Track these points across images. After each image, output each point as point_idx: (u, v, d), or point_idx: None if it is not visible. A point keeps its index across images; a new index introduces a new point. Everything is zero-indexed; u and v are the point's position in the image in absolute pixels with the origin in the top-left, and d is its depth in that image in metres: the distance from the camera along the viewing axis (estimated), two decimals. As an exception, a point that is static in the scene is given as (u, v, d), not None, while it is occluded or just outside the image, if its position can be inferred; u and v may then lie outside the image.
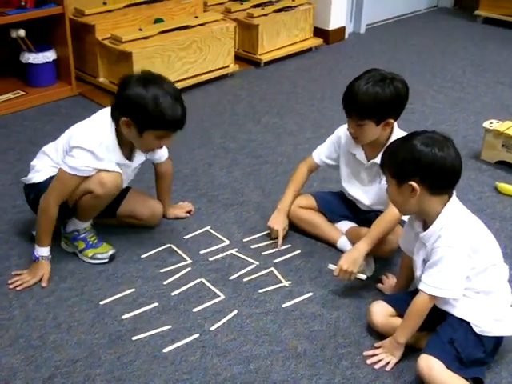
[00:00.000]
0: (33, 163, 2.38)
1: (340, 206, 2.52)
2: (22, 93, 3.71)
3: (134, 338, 2.03)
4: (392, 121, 2.23)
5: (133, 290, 2.24)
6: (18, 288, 2.22)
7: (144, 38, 3.76)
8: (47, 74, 3.77)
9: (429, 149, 1.79)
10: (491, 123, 3.12)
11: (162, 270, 2.34)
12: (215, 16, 4.15)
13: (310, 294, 2.24)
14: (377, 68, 2.26)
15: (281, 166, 3.09)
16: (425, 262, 1.89)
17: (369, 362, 1.96)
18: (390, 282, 2.27)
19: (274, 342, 2.04)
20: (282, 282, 2.30)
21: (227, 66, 4.14)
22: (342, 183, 2.47)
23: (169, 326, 2.08)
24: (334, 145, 2.45)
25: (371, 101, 2.15)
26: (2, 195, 2.75)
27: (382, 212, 2.28)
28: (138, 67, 3.57)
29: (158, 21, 3.99)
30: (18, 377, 1.88)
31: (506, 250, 2.40)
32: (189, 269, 2.35)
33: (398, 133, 2.27)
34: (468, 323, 1.87)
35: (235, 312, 2.15)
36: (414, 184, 1.81)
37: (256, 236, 2.55)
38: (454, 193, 1.88)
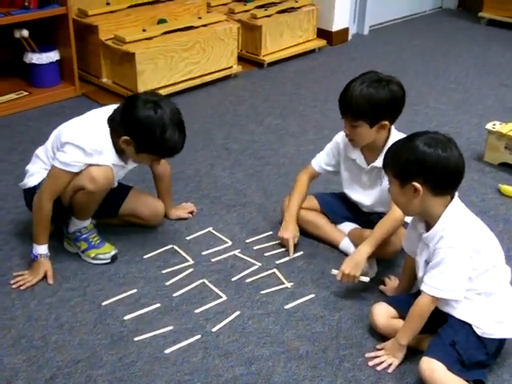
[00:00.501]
0: (27, 167, 2.40)
1: (342, 207, 2.52)
2: (26, 93, 3.72)
3: (135, 339, 2.03)
4: (386, 123, 2.22)
5: (135, 290, 2.24)
6: (21, 288, 2.22)
7: (147, 39, 3.76)
8: (50, 75, 3.78)
9: (432, 149, 1.79)
10: (494, 125, 3.11)
11: (164, 271, 2.34)
12: (219, 17, 4.16)
13: (312, 295, 2.24)
14: (375, 70, 2.26)
15: (283, 168, 3.08)
16: (427, 263, 1.89)
17: (371, 363, 1.96)
18: (392, 283, 2.26)
19: (275, 343, 2.03)
20: (284, 283, 2.30)
21: (230, 67, 4.14)
22: (344, 189, 2.47)
23: (171, 327, 2.08)
24: (332, 151, 2.45)
25: (365, 102, 2.16)
26: (5, 195, 2.76)
27: (384, 214, 2.28)
28: (141, 68, 3.59)
29: (161, 21, 3.99)
30: (20, 377, 1.88)
31: (508, 252, 2.39)
32: (191, 270, 2.36)
33: (395, 135, 2.26)
34: (470, 325, 1.87)
35: (237, 313, 2.15)
36: (416, 184, 1.81)
37: (258, 237, 2.55)
38: (456, 194, 1.88)
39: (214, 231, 2.58)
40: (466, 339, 1.85)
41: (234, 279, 2.31)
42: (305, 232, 2.54)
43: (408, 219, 2.19)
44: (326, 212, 2.54)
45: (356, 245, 2.36)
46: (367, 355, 1.99)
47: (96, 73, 3.88)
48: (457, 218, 1.85)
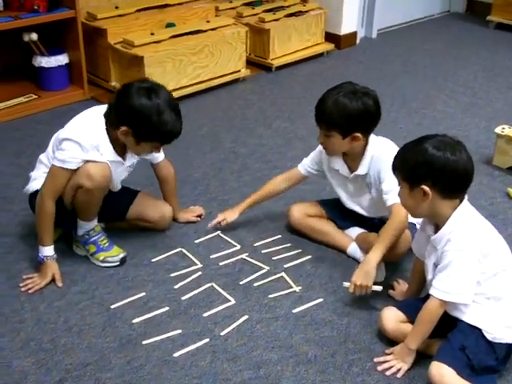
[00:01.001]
0: (31, 173, 2.41)
1: (348, 212, 2.51)
2: (35, 96, 3.73)
3: (144, 342, 2.03)
4: (359, 135, 2.23)
5: (143, 293, 2.24)
6: (29, 291, 2.23)
7: (156, 43, 3.77)
8: (59, 78, 3.79)
9: (441, 152, 1.78)
10: (503, 129, 3.10)
11: (173, 274, 2.34)
12: (227, 21, 4.16)
13: (321, 299, 2.24)
14: (352, 82, 2.28)
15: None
16: (436, 265, 1.89)
17: (380, 368, 1.95)
18: (400, 288, 2.26)
19: (284, 347, 2.03)
20: (292, 287, 2.30)
21: (238, 71, 4.15)
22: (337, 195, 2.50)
23: (179, 331, 2.08)
24: (315, 159, 2.49)
25: (337, 113, 2.18)
26: (14, 198, 2.77)
27: (386, 218, 2.27)
28: (149, 71, 3.59)
29: (169, 25, 4.00)
30: (29, 380, 1.89)
31: (518, 256, 2.38)
32: (199, 273, 2.36)
33: (374, 142, 2.29)
34: (479, 330, 1.86)
35: (245, 317, 2.15)
36: (425, 188, 1.80)
37: (267, 241, 2.55)
38: (466, 197, 1.88)
39: (222, 235, 2.58)
40: (475, 344, 1.84)
41: (242, 283, 2.31)
42: (312, 239, 2.54)
43: (412, 219, 2.19)
44: (332, 218, 2.55)
45: (363, 249, 2.36)
46: (376, 360, 1.98)
47: (105, 76, 3.90)
48: (465, 221, 1.84)
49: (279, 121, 3.66)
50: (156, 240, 2.53)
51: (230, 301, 2.22)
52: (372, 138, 2.30)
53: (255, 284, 2.31)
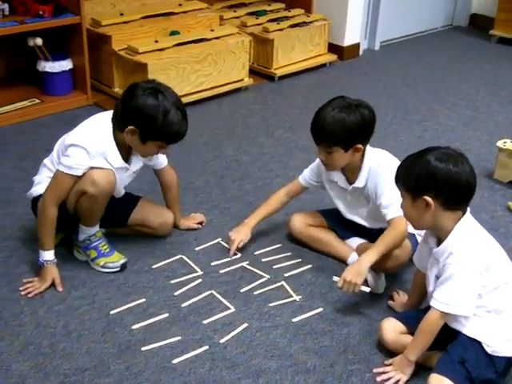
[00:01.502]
0: (34, 177, 2.42)
1: (348, 222, 2.51)
2: (38, 101, 3.74)
3: (143, 349, 2.03)
4: (360, 146, 2.25)
5: (143, 300, 2.24)
6: (29, 295, 2.23)
7: (160, 50, 3.78)
8: (63, 83, 3.80)
9: (443, 164, 1.79)
10: (505, 142, 3.11)
11: (173, 281, 2.34)
12: (231, 30, 4.18)
13: (321, 309, 2.24)
14: (342, 95, 2.29)
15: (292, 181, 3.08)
16: (437, 278, 1.89)
17: (379, 379, 1.95)
18: (400, 299, 2.26)
19: (283, 356, 2.03)
20: (292, 296, 2.30)
21: (241, 80, 4.16)
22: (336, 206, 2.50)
23: (178, 338, 2.08)
24: (314, 170, 2.50)
25: (338, 128, 2.19)
26: (16, 201, 2.77)
27: (386, 228, 2.27)
28: (153, 78, 3.59)
29: (173, 33, 4.02)
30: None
31: (518, 270, 2.38)
32: (199, 280, 2.36)
33: (371, 153, 2.30)
34: (479, 343, 1.86)
35: (245, 325, 2.15)
36: (428, 199, 1.81)
37: (267, 249, 2.55)
38: (468, 209, 1.88)
39: (222, 242, 2.58)
40: (475, 357, 1.84)
41: (242, 291, 2.31)
42: (313, 249, 2.55)
43: (412, 230, 2.19)
44: (332, 227, 2.55)
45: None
46: (375, 371, 1.98)
47: (108, 82, 3.91)
48: (467, 234, 1.84)
49: (281, 130, 3.67)
50: (157, 246, 2.53)
51: (229, 308, 2.22)
52: (368, 149, 2.31)
53: (255, 292, 2.31)
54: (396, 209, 2.05)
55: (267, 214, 2.55)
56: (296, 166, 3.23)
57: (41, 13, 3.54)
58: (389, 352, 2.02)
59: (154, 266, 2.42)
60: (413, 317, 1.99)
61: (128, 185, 2.45)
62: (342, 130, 2.19)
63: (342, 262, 2.47)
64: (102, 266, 2.37)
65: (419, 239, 2.15)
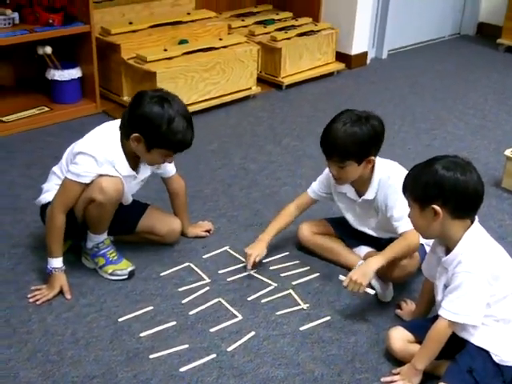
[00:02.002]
0: (43, 185, 2.43)
1: (356, 231, 2.51)
2: (47, 109, 3.76)
3: (151, 357, 2.03)
4: (372, 158, 2.25)
5: (151, 307, 2.24)
6: (37, 302, 2.23)
7: (168, 59, 3.80)
8: (72, 91, 3.82)
9: (451, 173, 1.79)
10: (513, 151, 3.11)
11: (181, 289, 2.35)
12: (239, 38, 4.20)
13: (328, 317, 2.24)
14: (349, 109, 2.28)
15: (300, 189, 3.06)
16: (446, 287, 1.89)
17: (386, 388, 1.95)
18: (408, 307, 2.25)
19: (290, 365, 2.03)
20: (300, 304, 2.30)
21: (249, 88, 4.17)
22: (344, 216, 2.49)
23: (186, 346, 2.08)
24: (323, 182, 2.49)
25: (351, 142, 2.18)
26: (24, 209, 2.78)
27: (395, 238, 2.27)
28: (161, 87, 3.61)
29: (182, 42, 4.04)
30: (35, 391, 1.89)
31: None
32: (207, 288, 2.36)
33: (380, 164, 2.30)
34: (487, 352, 1.85)
35: (252, 333, 2.15)
36: (436, 207, 1.81)
37: (275, 257, 2.55)
38: (477, 218, 1.88)
39: (230, 250, 2.59)
40: (483, 366, 1.84)
41: (249, 299, 2.31)
42: (321, 257, 2.55)
43: (421, 240, 2.19)
44: (340, 236, 2.55)
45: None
46: (383, 380, 1.97)
47: (117, 91, 3.93)
48: (476, 243, 1.84)
49: (289, 138, 3.68)
50: (164, 254, 2.54)
51: (237, 316, 2.22)
52: (378, 160, 2.31)
53: (263, 300, 2.31)
54: (408, 222, 2.04)
55: (280, 228, 2.52)
56: (304, 174, 3.24)
57: (50, 21, 3.57)
58: (397, 361, 2.02)
59: (162, 274, 2.43)
60: (421, 326, 1.99)
61: (136, 192, 2.47)
62: (355, 144, 2.18)
63: (350, 270, 2.46)
64: (110, 274, 2.37)
65: (427, 249, 2.15)
